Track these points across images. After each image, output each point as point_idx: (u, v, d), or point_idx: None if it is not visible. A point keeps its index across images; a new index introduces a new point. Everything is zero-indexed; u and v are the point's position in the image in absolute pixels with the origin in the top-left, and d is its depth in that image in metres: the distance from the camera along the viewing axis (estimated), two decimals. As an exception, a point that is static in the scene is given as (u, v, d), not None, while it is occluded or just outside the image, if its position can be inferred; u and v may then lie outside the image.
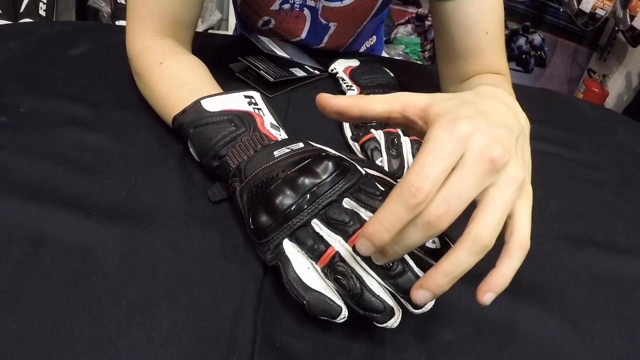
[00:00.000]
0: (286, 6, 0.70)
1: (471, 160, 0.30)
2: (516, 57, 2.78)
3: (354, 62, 0.74)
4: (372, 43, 0.99)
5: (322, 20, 0.74)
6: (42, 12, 1.57)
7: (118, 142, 0.57)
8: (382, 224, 0.30)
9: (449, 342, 0.41)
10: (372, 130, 0.60)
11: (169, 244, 0.44)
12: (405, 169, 0.56)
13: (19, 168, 0.51)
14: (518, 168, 0.33)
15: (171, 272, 0.42)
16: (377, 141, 0.58)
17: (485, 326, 0.43)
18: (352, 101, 0.38)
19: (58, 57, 0.73)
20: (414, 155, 0.57)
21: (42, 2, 1.44)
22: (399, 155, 0.57)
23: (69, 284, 0.40)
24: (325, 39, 0.79)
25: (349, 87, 0.69)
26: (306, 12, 0.72)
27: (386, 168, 0.56)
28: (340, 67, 0.74)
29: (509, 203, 0.32)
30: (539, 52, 2.77)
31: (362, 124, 0.62)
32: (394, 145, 0.58)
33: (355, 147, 0.60)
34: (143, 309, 0.39)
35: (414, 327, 0.42)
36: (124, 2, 1.41)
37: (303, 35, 0.76)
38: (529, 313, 0.45)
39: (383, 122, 0.61)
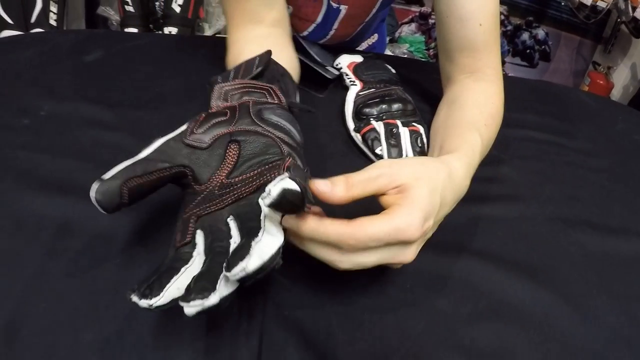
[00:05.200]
0: None
1: (394, 256, 0.39)
2: (520, 52, 2.80)
3: (358, 58, 0.77)
4: (373, 41, 1.02)
5: (334, 4, 0.78)
6: (52, 22, 1.61)
7: (135, 140, 0.60)
8: (318, 233, 0.37)
9: (445, 311, 0.44)
10: (373, 122, 0.63)
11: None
12: (404, 157, 0.59)
13: (43, 165, 0.55)
14: (414, 253, 0.40)
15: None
16: (377, 132, 0.62)
17: (481, 299, 0.46)
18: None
19: (73, 63, 0.76)
20: (412, 145, 0.60)
21: (52, 12, 1.49)
22: (398, 145, 0.60)
23: (94, 266, 0.44)
24: (336, 25, 0.82)
25: (352, 82, 0.72)
26: None
27: (385, 157, 0.59)
28: (345, 62, 0.77)
29: (385, 261, 0.39)
30: (543, 47, 2.78)
31: (363, 116, 0.65)
32: (392, 136, 0.61)
33: (357, 137, 0.64)
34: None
35: (413, 297, 0.45)
36: (133, 10, 1.47)
37: (319, 19, 0.80)
38: (524, 288, 0.48)
39: (382, 115, 0.64)
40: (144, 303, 0.31)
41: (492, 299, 0.46)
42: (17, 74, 0.72)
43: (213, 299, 0.30)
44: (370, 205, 0.40)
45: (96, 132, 0.61)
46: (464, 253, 0.51)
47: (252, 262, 0.30)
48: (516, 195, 0.61)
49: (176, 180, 0.40)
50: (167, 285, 0.32)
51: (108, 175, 0.37)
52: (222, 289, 0.31)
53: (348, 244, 0.36)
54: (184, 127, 0.43)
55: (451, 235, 0.52)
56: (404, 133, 0.61)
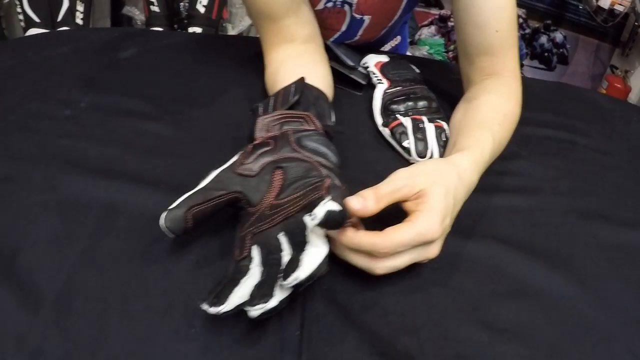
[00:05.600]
0: (330, 4, 0.77)
1: (421, 254, 0.44)
2: (539, 55, 2.80)
3: (384, 58, 0.81)
4: (396, 43, 1.05)
5: (357, 15, 0.81)
6: (78, 21, 1.65)
7: (174, 131, 0.64)
8: (351, 241, 0.43)
9: (470, 290, 0.47)
10: (400, 117, 0.66)
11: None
12: (429, 151, 0.62)
13: (87, 153, 0.58)
14: (438, 249, 0.45)
15: (229, 227, 0.48)
16: (404, 126, 0.65)
17: (502, 280, 0.49)
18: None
19: (109, 59, 0.80)
20: (437, 140, 0.63)
21: (78, 11, 1.53)
22: (424, 139, 0.63)
23: (141, 244, 0.47)
24: (360, 32, 0.85)
25: (379, 81, 0.76)
26: (346, 7, 0.79)
27: (412, 150, 0.62)
28: (372, 62, 0.80)
29: (415, 260, 0.45)
30: (561, 50, 2.78)
31: (390, 112, 0.68)
32: (419, 130, 0.64)
33: (385, 131, 0.67)
34: (208, 261, 0.46)
35: (441, 277, 0.49)
36: (158, 11, 1.51)
37: (343, 27, 0.83)
38: (541, 271, 0.51)
39: (409, 111, 0.67)
40: (213, 310, 0.37)
41: (512, 280, 0.49)
42: (53, 69, 0.76)
43: (272, 302, 0.37)
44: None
45: (136, 122, 0.65)
46: (486, 239, 0.54)
47: (303, 271, 0.37)
48: (534, 188, 0.64)
49: (231, 204, 0.47)
50: (231, 295, 0.38)
51: (174, 205, 0.44)
52: (279, 294, 0.38)
53: (380, 252, 0.42)
54: (234, 159, 0.49)
55: (475, 223, 0.56)
56: (430, 128, 0.64)
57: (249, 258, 0.42)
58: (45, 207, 0.50)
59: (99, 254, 0.46)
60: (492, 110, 0.62)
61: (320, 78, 0.63)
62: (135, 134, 0.62)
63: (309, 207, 0.41)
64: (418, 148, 0.62)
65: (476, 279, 0.49)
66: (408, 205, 0.46)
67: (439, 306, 0.46)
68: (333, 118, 0.60)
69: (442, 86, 0.80)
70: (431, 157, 0.63)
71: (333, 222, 0.39)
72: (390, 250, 0.42)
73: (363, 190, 0.45)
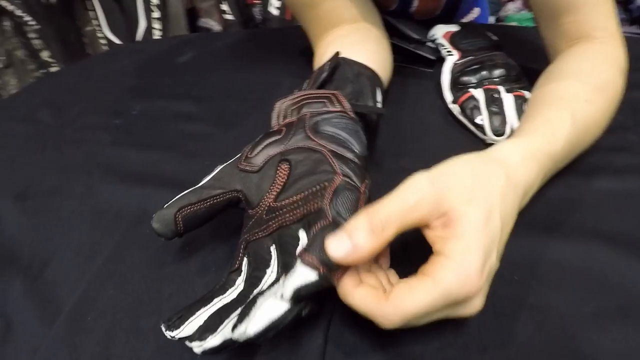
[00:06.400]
0: None
1: (450, 314, 0.31)
2: (638, 19, 2.41)
3: (454, 27, 0.70)
4: (474, 16, 0.92)
5: None
6: (157, 38, 1.70)
7: (218, 129, 0.60)
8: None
9: (561, 310, 0.35)
10: (471, 90, 0.55)
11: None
12: (508, 126, 0.51)
13: (128, 158, 0.56)
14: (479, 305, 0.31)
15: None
16: (475, 99, 0.54)
17: (608, 295, 0.36)
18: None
19: (166, 65, 0.79)
20: (517, 112, 0.52)
21: (155, 28, 1.57)
22: (501, 112, 0.52)
23: (164, 254, 0.42)
24: (416, 2, 0.75)
25: (448, 53, 0.65)
26: None
27: (487, 127, 0.51)
28: (440, 32, 0.70)
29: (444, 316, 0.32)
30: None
31: (461, 86, 0.58)
32: (494, 102, 0.52)
33: (455, 109, 0.56)
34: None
35: (521, 292, 0.37)
36: (233, 18, 1.51)
37: None
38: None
39: (482, 82, 0.56)
40: (168, 334, 0.30)
41: (623, 295, 0.36)
42: (112, 82, 0.76)
43: (212, 341, 0.28)
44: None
45: (181, 124, 0.62)
46: (585, 236, 0.40)
47: (253, 326, 0.28)
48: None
49: (234, 206, 0.39)
50: (191, 319, 0.30)
51: (167, 204, 0.38)
52: (227, 332, 0.29)
53: (383, 324, 0.30)
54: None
55: (566, 215, 0.43)
56: (508, 99, 0.53)
57: (239, 271, 0.34)
58: (80, 217, 0.49)
59: (119, 266, 0.42)
60: (578, 84, 0.47)
61: (370, 55, 0.54)
62: (178, 136, 0.59)
63: (306, 222, 0.33)
64: (494, 124, 0.51)
65: (571, 293, 0.36)
66: (430, 235, 0.32)
67: (518, 333, 0.34)
68: (379, 97, 0.50)
69: (529, 55, 0.67)
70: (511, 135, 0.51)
71: (310, 295, 0.29)
72: (398, 322, 0.29)
73: (352, 219, 0.31)
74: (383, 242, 0.30)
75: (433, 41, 0.70)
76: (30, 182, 0.55)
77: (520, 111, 0.52)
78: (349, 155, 0.38)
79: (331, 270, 0.29)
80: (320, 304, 0.34)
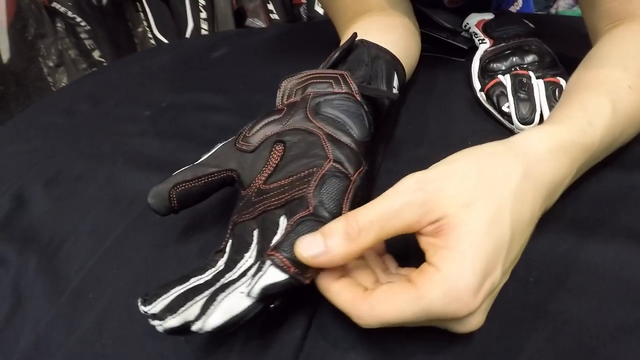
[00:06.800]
0: None
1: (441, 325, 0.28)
2: None
3: (488, 16, 0.67)
4: (517, 9, 0.88)
5: None
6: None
7: (241, 119, 0.59)
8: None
9: (582, 319, 0.32)
10: (499, 76, 0.52)
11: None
12: (537, 114, 0.47)
13: (151, 148, 0.57)
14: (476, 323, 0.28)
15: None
16: (503, 85, 0.51)
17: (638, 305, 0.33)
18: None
19: (200, 60, 0.80)
20: (548, 99, 0.48)
21: (203, 29, 1.59)
22: (529, 98, 0.48)
23: (168, 237, 0.43)
24: None
25: (481, 41, 0.62)
26: None
27: (513, 114, 0.48)
28: (473, 21, 0.66)
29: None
30: None
31: (490, 72, 0.54)
32: (522, 87, 0.49)
33: (482, 96, 0.53)
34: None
35: (538, 296, 0.34)
36: (279, 18, 1.52)
37: None
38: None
39: (512, 68, 0.53)
40: (141, 309, 0.29)
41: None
42: (149, 77, 0.78)
43: (170, 322, 0.27)
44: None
45: (205, 115, 0.62)
46: (618, 237, 0.36)
47: (212, 320, 0.27)
48: None
49: (230, 185, 0.39)
50: (164, 296, 0.29)
51: (164, 180, 0.38)
52: (188, 315, 0.27)
53: (357, 322, 0.28)
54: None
55: (601, 212, 0.38)
56: (538, 85, 0.49)
57: (223, 252, 0.33)
58: (99, 201, 0.50)
59: (126, 247, 0.43)
60: (619, 67, 0.42)
61: (393, 41, 0.52)
62: (201, 126, 0.60)
63: (289, 208, 0.31)
64: (521, 112, 0.48)
65: (595, 300, 0.32)
66: (422, 242, 0.28)
67: (531, 340, 0.30)
68: (395, 83, 0.48)
69: (572, 46, 0.63)
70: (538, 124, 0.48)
71: (279, 294, 0.28)
72: (373, 324, 0.27)
73: (331, 222, 0.29)
74: (358, 248, 0.27)
75: (467, 30, 0.67)
76: (62, 169, 0.57)
77: (552, 98, 0.48)
78: (346, 139, 0.37)
79: (302, 270, 0.28)
80: (305, 292, 0.32)
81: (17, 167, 0.60)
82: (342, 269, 0.30)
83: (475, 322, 0.27)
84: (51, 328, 0.37)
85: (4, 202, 0.53)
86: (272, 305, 0.29)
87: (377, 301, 0.27)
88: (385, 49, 0.49)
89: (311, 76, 0.43)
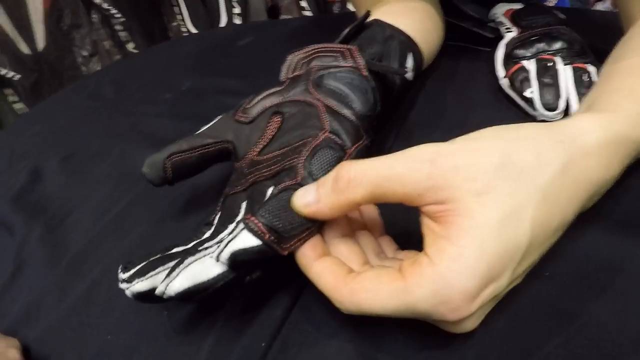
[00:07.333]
0: None
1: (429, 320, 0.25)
2: None
3: (517, 5, 0.64)
4: (552, 4, 0.84)
5: None
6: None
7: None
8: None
9: (606, 325, 0.28)
10: (523, 61, 0.50)
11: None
12: (561, 102, 0.44)
13: (165, 128, 0.57)
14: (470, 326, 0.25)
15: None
16: (526, 70, 0.48)
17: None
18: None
19: (225, 48, 0.80)
20: (576, 85, 0.45)
21: (236, 24, 1.60)
22: (554, 84, 0.45)
23: (167, 212, 0.42)
24: None
25: (507, 30, 0.59)
26: None
27: (537, 100, 0.45)
28: (501, 10, 0.64)
29: None
30: None
31: (514, 59, 0.52)
32: (547, 72, 0.46)
33: (505, 83, 0.50)
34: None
35: (557, 295, 0.30)
36: (311, 15, 1.51)
37: None
38: None
39: (538, 54, 0.50)
40: (120, 276, 0.28)
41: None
42: (175, 64, 0.79)
43: (138, 286, 0.26)
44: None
45: (222, 98, 0.62)
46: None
47: (174, 285, 0.25)
48: None
49: (226, 158, 0.38)
50: (144, 263, 0.28)
51: (161, 150, 0.37)
52: (157, 279, 0.26)
53: (338, 307, 0.25)
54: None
55: (631, 205, 0.34)
56: (565, 70, 0.46)
57: (210, 224, 0.32)
58: (108, 177, 0.51)
59: (126, 221, 0.43)
60: None
61: (411, 24, 0.50)
62: (216, 108, 0.58)
63: (278, 179, 0.30)
64: (545, 97, 0.45)
65: (617, 303, 0.29)
66: (424, 225, 0.25)
67: (533, 347, 0.27)
68: (409, 64, 0.46)
69: (605, 39, 0.59)
70: (566, 112, 0.45)
71: (250, 262, 0.26)
72: (353, 311, 0.25)
73: (329, 174, 0.26)
74: (346, 201, 0.25)
75: (494, 20, 0.65)
76: (78, 147, 0.58)
77: (580, 84, 0.45)
78: (346, 111, 0.35)
79: (280, 239, 0.26)
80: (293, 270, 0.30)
81: (38, 145, 0.61)
82: (325, 246, 0.28)
83: (465, 327, 0.24)
84: (43, 295, 0.37)
85: (21, 177, 0.54)
86: (248, 278, 0.27)
87: (359, 287, 0.24)
88: (400, 29, 0.48)
89: (317, 50, 0.42)
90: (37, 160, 0.56)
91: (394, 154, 0.25)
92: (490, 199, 0.23)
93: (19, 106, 1.14)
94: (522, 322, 0.28)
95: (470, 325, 0.24)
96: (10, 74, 1.06)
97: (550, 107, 0.44)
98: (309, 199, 0.26)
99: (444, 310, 0.23)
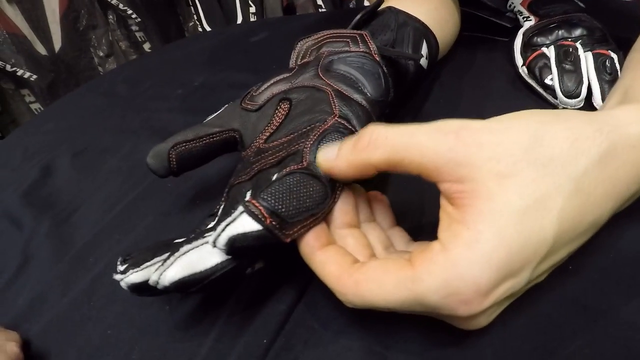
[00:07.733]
0: None
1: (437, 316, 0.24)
2: None
3: (536, -5, 0.62)
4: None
5: None
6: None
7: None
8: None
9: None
10: (543, 48, 0.48)
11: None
12: (583, 88, 0.42)
13: (175, 123, 0.56)
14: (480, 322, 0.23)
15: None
16: (546, 57, 0.46)
17: None
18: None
19: (239, 44, 0.80)
20: (598, 72, 0.43)
21: None
22: (576, 70, 0.43)
23: (173, 205, 0.42)
24: None
25: (525, 19, 0.57)
26: None
27: (557, 87, 0.43)
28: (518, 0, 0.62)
29: None
30: None
31: (533, 47, 0.50)
32: (567, 58, 0.44)
33: (524, 71, 0.49)
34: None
35: (578, 290, 0.29)
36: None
37: None
38: None
39: (557, 40, 0.48)
40: (118, 267, 0.27)
41: None
42: (189, 61, 0.78)
43: (133, 277, 0.25)
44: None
45: (235, 92, 0.59)
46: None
47: (169, 274, 0.23)
48: None
49: (232, 148, 0.37)
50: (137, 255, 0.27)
51: (166, 140, 0.36)
52: (152, 269, 0.25)
53: (341, 300, 0.24)
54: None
55: None
56: (586, 56, 0.44)
57: (214, 215, 0.31)
58: (117, 172, 0.50)
59: (132, 215, 0.42)
60: None
61: (426, 12, 0.49)
62: (227, 102, 0.58)
63: (285, 165, 0.28)
64: (565, 84, 0.43)
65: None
66: (441, 202, 0.23)
67: (549, 347, 0.25)
68: (424, 51, 0.44)
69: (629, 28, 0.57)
70: (587, 100, 0.43)
71: (249, 248, 0.24)
72: (357, 304, 0.23)
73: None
74: (363, 160, 0.24)
75: (511, 10, 0.62)
76: (90, 143, 0.57)
77: (602, 71, 0.43)
78: (357, 96, 0.34)
79: (282, 224, 0.24)
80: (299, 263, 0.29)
81: (50, 142, 0.61)
82: (330, 235, 0.26)
83: (475, 324, 0.23)
84: (47, 289, 0.36)
85: (33, 172, 0.53)
86: (249, 269, 0.26)
87: (364, 278, 0.23)
88: (415, 17, 0.46)
89: (327, 36, 0.40)
90: (49, 157, 0.56)
91: (419, 124, 0.23)
92: (514, 182, 0.21)
93: (35, 106, 1.15)
94: (544, 318, 0.27)
95: (478, 323, 0.23)
96: (27, 74, 1.07)
97: (572, 95, 0.42)
98: (329, 154, 0.26)
99: (454, 303, 0.21)
